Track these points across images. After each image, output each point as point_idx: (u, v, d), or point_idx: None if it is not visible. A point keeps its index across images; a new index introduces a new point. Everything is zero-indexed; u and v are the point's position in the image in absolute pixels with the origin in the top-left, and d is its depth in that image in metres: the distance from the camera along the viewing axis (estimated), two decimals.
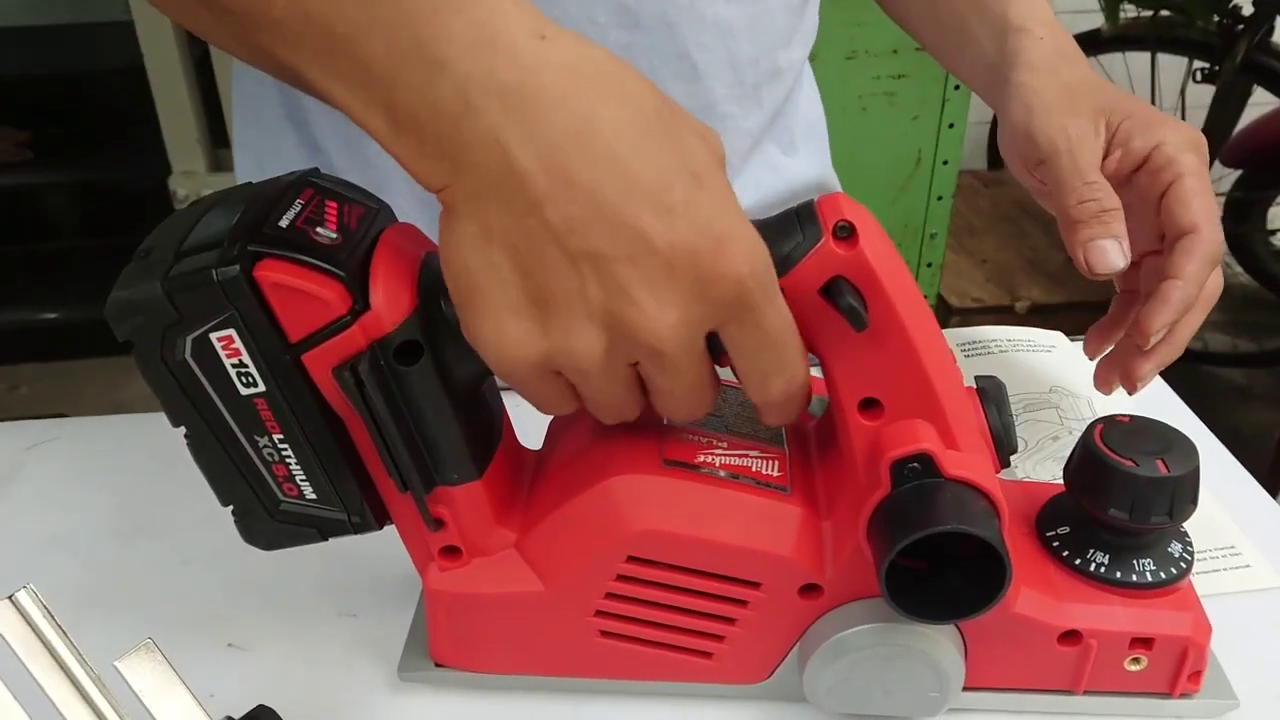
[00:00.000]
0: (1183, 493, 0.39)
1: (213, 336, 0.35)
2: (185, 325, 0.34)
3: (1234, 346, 2.17)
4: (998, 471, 0.39)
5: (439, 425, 0.37)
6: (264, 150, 0.63)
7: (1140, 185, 0.50)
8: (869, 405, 0.38)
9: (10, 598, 0.32)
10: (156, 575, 0.51)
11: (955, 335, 0.68)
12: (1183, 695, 0.42)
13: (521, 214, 0.31)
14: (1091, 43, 2.03)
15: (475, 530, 0.40)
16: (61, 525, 0.55)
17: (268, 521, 0.40)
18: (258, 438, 0.37)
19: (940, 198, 1.82)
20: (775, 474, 0.41)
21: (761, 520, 0.39)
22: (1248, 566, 0.51)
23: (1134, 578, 0.41)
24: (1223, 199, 2.12)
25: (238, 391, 0.36)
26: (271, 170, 0.39)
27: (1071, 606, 0.40)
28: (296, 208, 0.36)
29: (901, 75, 1.68)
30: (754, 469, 0.40)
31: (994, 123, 0.56)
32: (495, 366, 0.34)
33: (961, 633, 0.40)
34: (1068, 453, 0.43)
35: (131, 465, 0.59)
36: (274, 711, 0.39)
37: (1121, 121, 0.51)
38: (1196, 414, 0.63)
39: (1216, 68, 1.94)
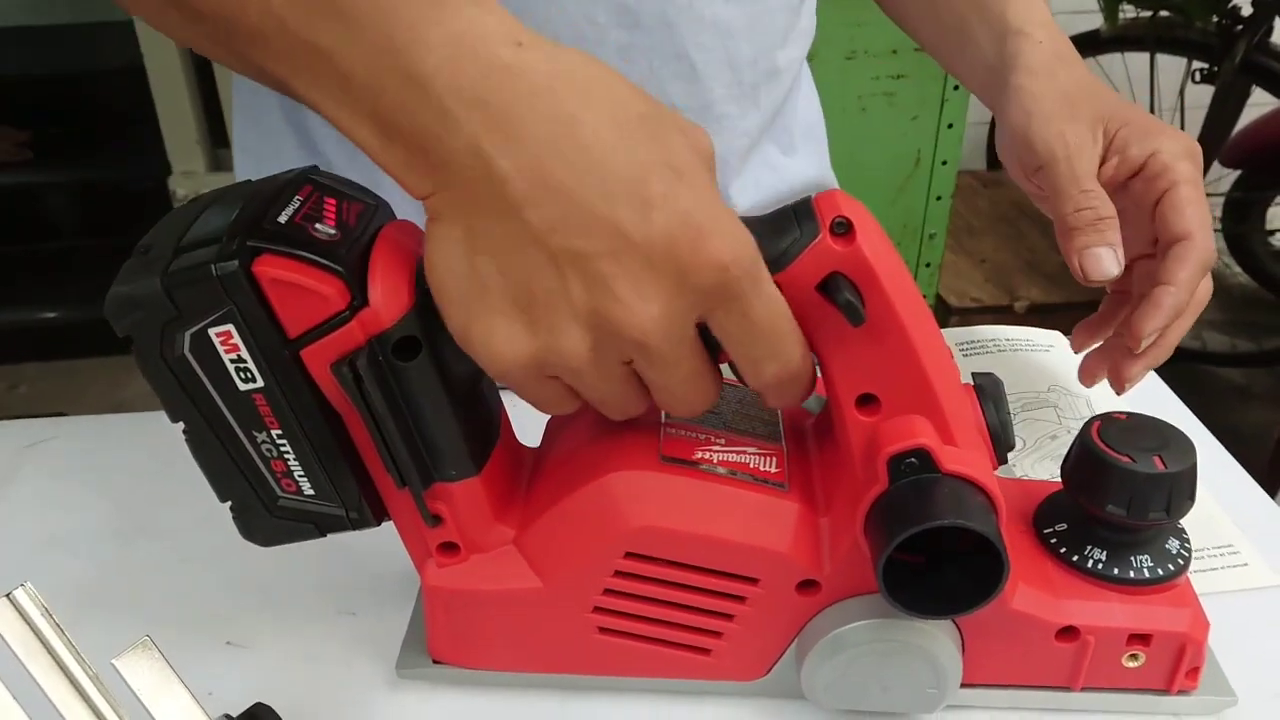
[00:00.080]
0: (1180, 489, 0.39)
1: (211, 332, 0.35)
2: (184, 321, 0.35)
3: (1233, 346, 2.17)
4: (995, 468, 0.39)
5: (437, 421, 0.37)
6: (264, 153, 0.64)
7: (1135, 191, 0.51)
8: (866, 401, 0.38)
9: (8, 596, 0.32)
10: (155, 574, 0.51)
11: (954, 334, 0.68)
12: (1180, 692, 0.42)
13: (503, 218, 0.31)
14: (1090, 43, 2.03)
15: (473, 526, 0.40)
16: (60, 524, 0.55)
17: (266, 517, 0.40)
18: (256, 433, 0.37)
19: (939, 198, 1.82)
20: (773, 470, 0.41)
21: (759, 516, 0.39)
22: (1245, 565, 0.51)
23: (1131, 574, 0.41)
24: (1222, 199, 2.12)
25: (236, 387, 0.36)
26: (271, 172, 0.39)
27: (1069, 603, 0.40)
28: (295, 204, 0.36)
29: (901, 75, 1.69)
30: (752, 465, 0.40)
31: (993, 123, 0.56)
32: (488, 370, 0.35)
33: (959, 629, 0.40)
34: (1065, 451, 0.43)
35: (130, 464, 0.59)
36: (271, 709, 0.39)
37: (1119, 129, 0.51)
38: (1195, 413, 0.63)
39: (1215, 68, 1.94)
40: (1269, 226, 2.19)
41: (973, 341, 0.68)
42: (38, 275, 2.40)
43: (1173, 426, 0.41)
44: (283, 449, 0.38)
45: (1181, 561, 0.41)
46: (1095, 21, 2.03)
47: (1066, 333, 0.69)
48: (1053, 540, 0.42)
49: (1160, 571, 0.41)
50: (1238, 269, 2.23)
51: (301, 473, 0.38)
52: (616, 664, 0.43)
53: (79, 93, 2.46)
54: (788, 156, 0.69)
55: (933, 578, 0.37)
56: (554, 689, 0.44)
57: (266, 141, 0.63)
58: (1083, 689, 0.42)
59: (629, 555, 0.39)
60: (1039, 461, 0.58)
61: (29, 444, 0.62)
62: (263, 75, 0.34)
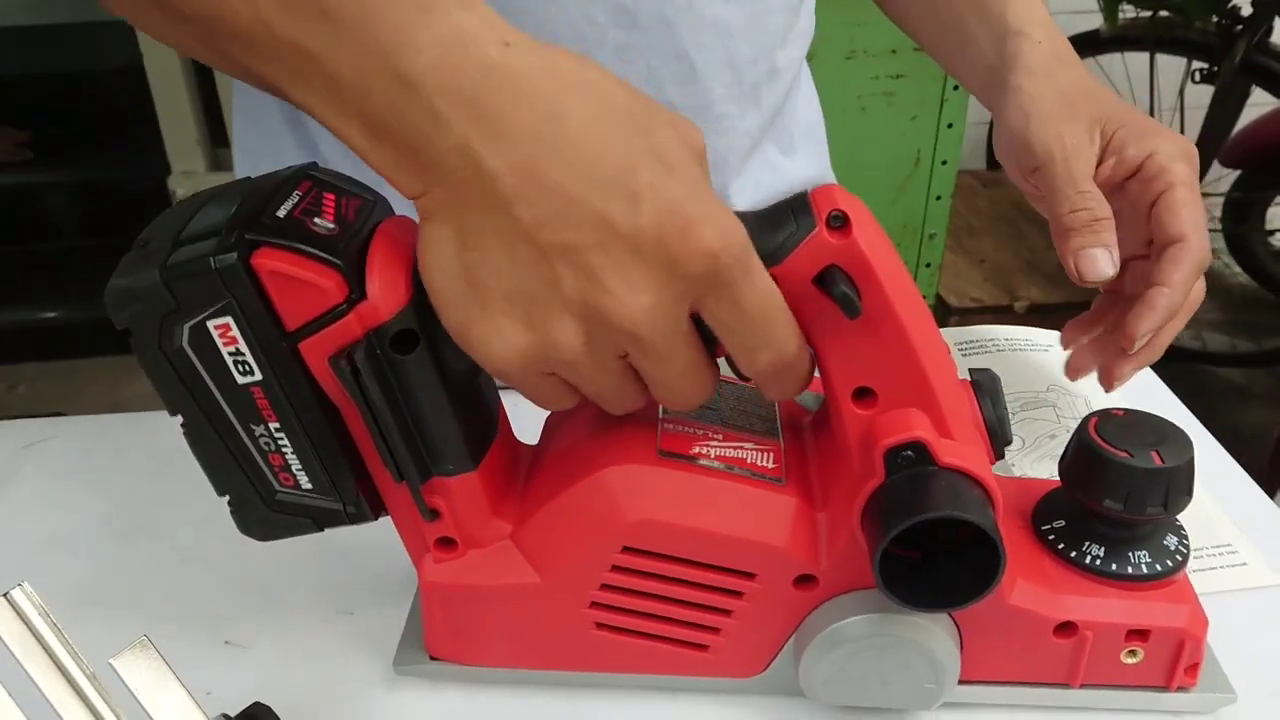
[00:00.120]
0: (1178, 484, 0.39)
1: (210, 325, 0.35)
2: (183, 313, 0.35)
3: (1233, 346, 2.17)
4: (993, 463, 0.39)
5: (435, 415, 0.37)
6: (263, 154, 0.64)
7: (1132, 193, 0.51)
8: (863, 395, 0.38)
9: (5, 595, 0.32)
10: (155, 574, 0.51)
11: (953, 334, 0.68)
12: (1179, 689, 0.42)
13: (494, 215, 0.32)
14: (1090, 43, 2.03)
15: (471, 521, 0.40)
16: (60, 524, 0.55)
17: (264, 511, 0.40)
18: (254, 427, 0.37)
19: (939, 198, 1.82)
20: (770, 466, 0.41)
21: (756, 511, 0.39)
22: (1244, 564, 0.51)
23: (1129, 570, 0.41)
24: (1221, 199, 2.12)
25: (234, 380, 0.36)
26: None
27: (1067, 598, 0.40)
28: (294, 199, 0.36)
29: (900, 75, 1.69)
30: (749, 461, 0.41)
31: (992, 123, 0.56)
32: (486, 366, 0.35)
33: (957, 625, 0.40)
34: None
35: (128, 464, 0.59)
36: (269, 709, 0.39)
37: (1116, 130, 0.51)
38: (1195, 413, 0.63)
39: (1215, 68, 1.94)
40: (1269, 226, 2.19)
41: (971, 341, 0.68)
42: (37, 275, 2.40)
43: (1170, 422, 0.41)
44: (280, 443, 0.38)
45: (1180, 558, 0.41)
46: (1095, 21, 2.03)
47: None
48: (1050, 537, 0.42)
49: (1159, 568, 0.41)
50: (1237, 269, 2.23)
51: (299, 467, 0.38)
52: (614, 661, 0.43)
53: (79, 93, 2.46)
54: (787, 157, 0.69)
55: (930, 572, 0.37)
56: (551, 689, 0.44)
57: (266, 142, 0.63)
58: (1081, 686, 0.42)
59: (626, 550, 0.39)
60: (1038, 461, 0.58)
61: (28, 444, 0.62)
62: (249, 75, 0.34)
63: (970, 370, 0.41)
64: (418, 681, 0.45)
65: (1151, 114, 2.03)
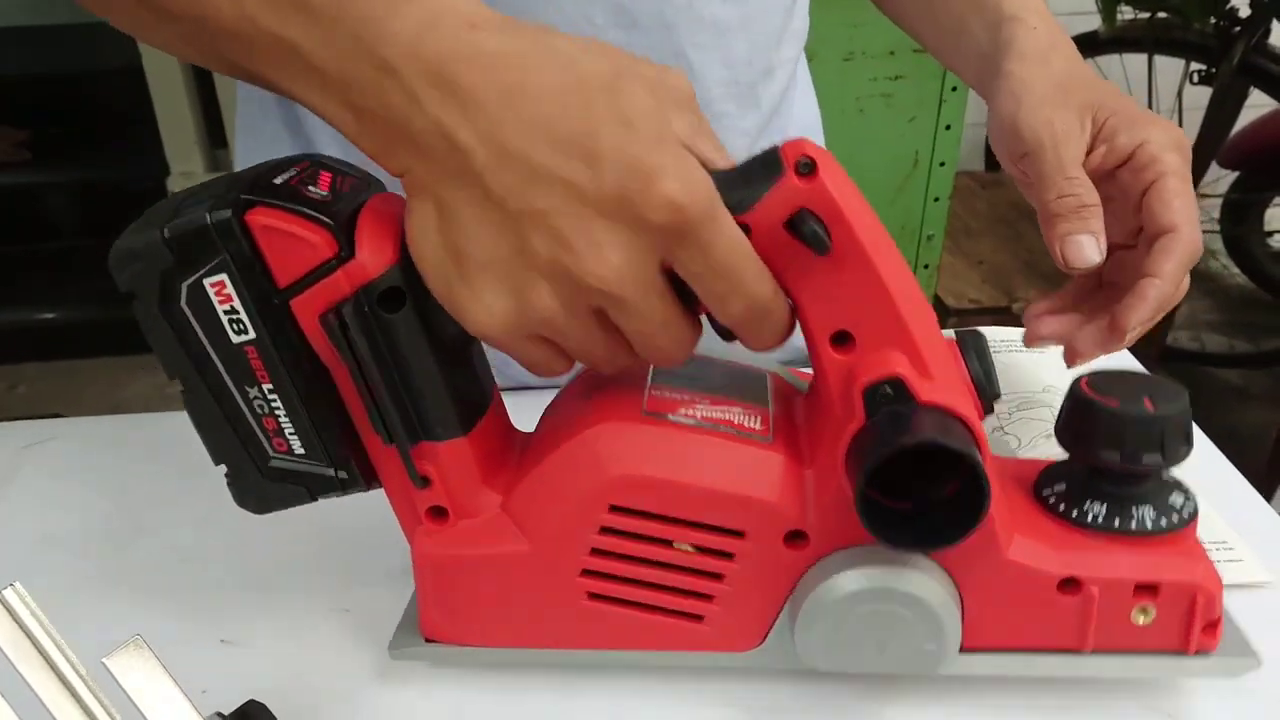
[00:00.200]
0: (1173, 431, 0.38)
1: (206, 282, 0.36)
2: (181, 271, 0.36)
3: (1231, 347, 2.17)
4: (982, 418, 0.38)
5: (423, 376, 0.38)
6: (263, 158, 0.64)
7: (1122, 182, 0.51)
8: (841, 340, 0.38)
9: None
10: (153, 574, 0.52)
11: (949, 334, 0.68)
12: (1199, 652, 0.40)
13: (468, 187, 0.33)
14: (1089, 44, 2.03)
15: (461, 490, 0.41)
16: (59, 524, 0.55)
17: (258, 480, 0.41)
18: (248, 388, 0.38)
19: (937, 199, 1.83)
20: (757, 426, 0.41)
21: (742, 466, 0.39)
22: (1241, 561, 0.51)
23: (1133, 525, 0.39)
24: (1220, 201, 2.13)
25: (230, 340, 0.37)
26: None
27: (1069, 554, 0.39)
28: (292, 172, 0.38)
29: (898, 77, 1.69)
30: (735, 421, 0.40)
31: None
32: (474, 333, 0.36)
33: (956, 584, 0.39)
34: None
35: (127, 465, 0.60)
36: (264, 706, 0.39)
37: (1108, 118, 0.51)
38: (1193, 415, 0.63)
39: (1213, 70, 1.94)
40: (1267, 228, 2.19)
41: None
42: (37, 275, 2.41)
43: (1164, 378, 0.40)
44: (273, 404, 0.39)
45: (1187, 515, 0.40)
46: (1093, 23, 2.04)
47: None
48: (1051, 500, 0.41)
49: (1163, 523, 0.39)
50: (1235, 270, 2.24)
51: (291, 430, 0.39)
52: (609, 636, 0.42)
53: (79, 93, 2.47)
54: None
55: (920, 522, 0.37)
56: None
57: (268, 152, 0.63)
58: (1093, 651, 0.41)
59: (613, 509, 0.39)
60: None
61: (26, 445, 0.62)
62: (236, 70, 0.36)
63: (954, 330, 0.41)
64: (413, 679, 0.45)
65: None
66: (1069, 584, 0.40)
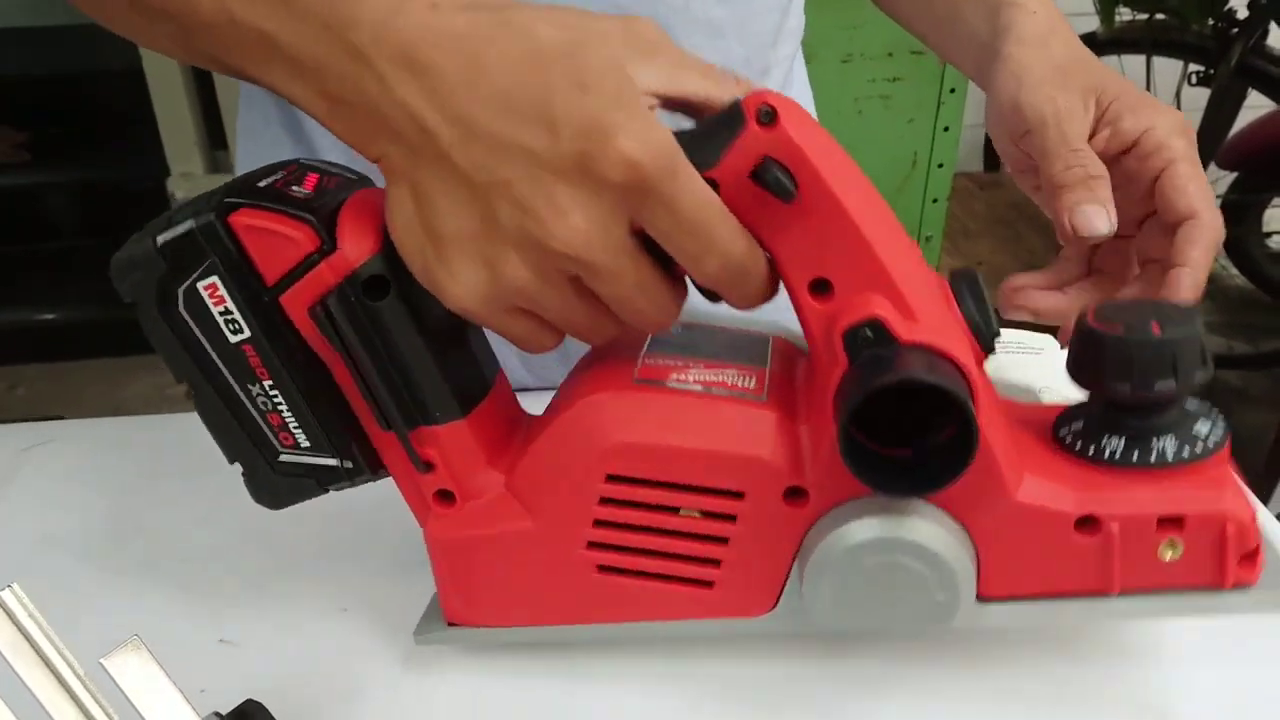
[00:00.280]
0: (1185, 355, 0.36)
1: (200, 286, 0.38)
2: (175, 276, 0.37)
3: (1229, 348, 2.17)
4: (979, 361, 0.37)
5: (415, 360, 0.38)
6: (263, 161, 0.64)
7: (1128, 169, 0.49)
8: (820, 288, 0.37)
9: None
10: (152, 574, 0.52)
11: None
12: (1237, 586, 0.38)
13: (438, 166, 0.34)
14: (1087, 45, 2.03)
15: (465, 472, 0.41)
16: (59, 525, 0.55)
17: (271, 475, 0.42)
18: (250, 386, 0.39)
19: (936, 200, 1.83)
20: (751, 386, 0.40)
21: (735, 426, 0.39)
22: None
23: (1153, 458, 0.37)
24: (1218, 202, 2.12)
25: (227, 340, 0.38)
26: None
27: (1084, 492, 0.38)
28: (278, 175, 0.39)
29: (897, 78, 1.69)
30: (729, 383, 0.40)
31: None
32: (454, 309, 0.36)
33: (970, 534, 0.38)
34: None
35: (126, 467, 0.60)
36: (262, 706, 0.39)
37: (1111, 102, 0.50)
38: None
39: (1211, 71, 1.95)
40: (1265, 229, 2.20)
41: None
42: (37, 276, 2.41)
43: (1174, 304, 0.39)
44: (276, 400, 0.40)
45: (1214, 444, 0.37)
46: (1092, 24, 2.04)
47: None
48: (1068, 440, 0.39)
49: (1186, 453, 0.37)
50: (1234, 271, 2.24)
51: (296, 424, 0.40)
52: (622, 608, 0.42)
53: (78, 93, 2.47)
54: None
55: (919, 469, 0.36)
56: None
57: (268, 156, 0.64)
58: (1121, 592, 0.38)
59: (610, 479, 0.39)
60: None
61: (26, 447, 0.62)
62: (220, 65, 0.37)
63: (950, 271, 0.40)
64: (415, 677, 0.45)
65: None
66: (1086, 523, 0.38)
